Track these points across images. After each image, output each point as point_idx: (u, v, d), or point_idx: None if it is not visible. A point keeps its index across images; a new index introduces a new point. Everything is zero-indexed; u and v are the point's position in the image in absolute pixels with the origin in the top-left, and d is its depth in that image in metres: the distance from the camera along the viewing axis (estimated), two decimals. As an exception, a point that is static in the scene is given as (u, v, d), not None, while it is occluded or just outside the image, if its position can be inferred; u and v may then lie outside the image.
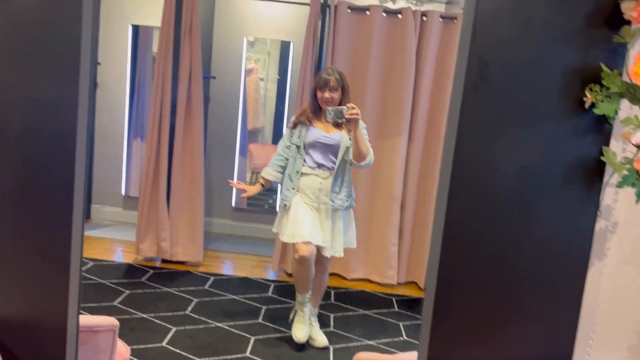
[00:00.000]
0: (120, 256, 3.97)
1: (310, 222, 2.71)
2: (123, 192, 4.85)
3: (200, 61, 3.79)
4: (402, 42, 3.74)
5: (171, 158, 3.82)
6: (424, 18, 3.76)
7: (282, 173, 2.85)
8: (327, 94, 2.70)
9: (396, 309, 3.52)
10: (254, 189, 2.88)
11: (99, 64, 4.67)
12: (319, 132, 2.76)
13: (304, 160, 2.78)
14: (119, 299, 3.14)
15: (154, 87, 3.76)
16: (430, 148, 3.88)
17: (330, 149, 2.76)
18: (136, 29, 4.70)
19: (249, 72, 5.00)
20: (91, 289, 3.25)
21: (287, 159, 2.83)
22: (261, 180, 2.88)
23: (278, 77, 5.04)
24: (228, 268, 4.00)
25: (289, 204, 2.76)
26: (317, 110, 2.78)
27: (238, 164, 4.86)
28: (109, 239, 4.33)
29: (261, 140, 5.23)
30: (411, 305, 3.61)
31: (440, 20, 3.78)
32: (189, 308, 3.14)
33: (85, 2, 1.22)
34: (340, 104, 2.70)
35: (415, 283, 4.07)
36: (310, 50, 3.76)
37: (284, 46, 4.84)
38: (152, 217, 3.88)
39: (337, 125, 2.74)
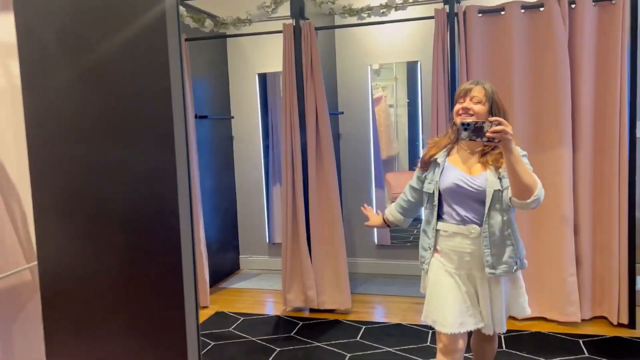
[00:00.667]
0: (269, 308, 3.86)
1: (458, 303, 2.00)
2: (267, 240, 4.82)
3: (325, 98, 3.62)
4: (549, 38, 3.21)
5: (307, 201, 3.67)
6: (573, 6, 3.20)
7: (405, 215, 2.31)
8: (466, 104, 1.98)
9: (586, 354, 2.90)
10: (376, 220, 2.38)
11: (232, 117, 4.76)
12: (459, 173, 2.01)
13: (441, 213, 2.06)
14: (270, 359, 2.98)
15: (283, 131, 3.66)
16: (603, 156, 3.24)
17: (473, 197, 1.99)
18: (263, 77, 4.73)
19: (377, 100, 4.76)
20: (243, 348, 3.15)
21: (411, 201, 2.25)
22: (383, 218, 2.38)
23: (408, 100, 4.73)
24: (379, 314, 3.68)
25: (426, 267, 2.12)
26: (456, 138, 2.07)
27: (375, 197, 4.59)
28: (257, 289, 4.28)
29: (397, 168, 4.92)
30: (604, 347, 2.95)
31: (594, 4, 3.19)
32: (342, 365, 2.87)
33: (172, 66, 1.05)
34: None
35: (605, 318, 3.38)
36: (441, 65, 3.39)
37: (411, 67, 4.53)
38: (296, 265, 3.73)
39: (482, 155, 2.00)
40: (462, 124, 1.81)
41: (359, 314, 3.65)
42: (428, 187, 2.09)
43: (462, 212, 2.00)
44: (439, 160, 2.07)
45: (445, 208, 2.04)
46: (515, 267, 2.02)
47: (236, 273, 4.77)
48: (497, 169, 1.96)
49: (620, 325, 3.27)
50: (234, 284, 4.45)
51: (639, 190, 4.10)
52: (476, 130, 1.79)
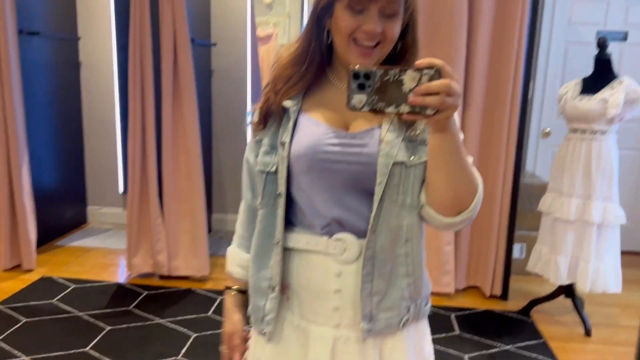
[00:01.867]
0: (111, 273, 3.25)
1: None
2: (121, 190, 4.13)
3: (187, 23, 2.94)
4: (448, -25, 2.78)
5: (160, 148, 3.04)
6: (478, -60, 2.78)
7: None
8: (370, 18, 0.92)
9: (457, 331, 2.67)
10: (235, 327, 1.11)
11: (79, 38, 3.90)
12: (324, 129, 0.99)
13: (291, 215, 1.05)
14: (94, 341, 2.42)
15: (131, 62, 2.96)
16: (492, 117, 2.95)
17: (350, 175, 0.97)
18: (120, -8, 3.89)
19: (266, 39, 4.15)
20: (63, 326, 2.54)
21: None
22: (230, 289, 1.15)
23: (300, 40, 4.16)
24: (242, 281, 3.22)
25: (268, 329, 1.04)
26: (323, 66, 1.03)
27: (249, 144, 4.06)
28: (103, 249, 3.63)
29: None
30: (475, 321, 2.75)
31: (500, -59, 2.79)
32: (183, 350, 2.38)
33: None
34: (394, 60, 0.99)
35: (478, 289, 3.21)
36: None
37: (304, 2, 3.95)
38: (144, 225, 3.13)
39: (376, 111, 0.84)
40: (355, 74, 0.81)
41: (218, 281, 3.17)
42: (264, 161, 1.02)
43: (329, 211, 0.99)
44: (288, 108, 1.01)
45: (300, 203, 1.02)
46: (405, 317, 1.01)
47: (81, 228, 4.05)
48: (403, 122, 0.95)
49: (492, 297, 3.10)
50: (75, 241, 3.75)
51: (525, 156, 3.95)
52: (384, 89, 0.81)
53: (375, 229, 0.95)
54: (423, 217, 0.98)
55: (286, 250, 1.02)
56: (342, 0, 0.92)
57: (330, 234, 0.99)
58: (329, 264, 0.99)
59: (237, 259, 1.14)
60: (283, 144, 0.99)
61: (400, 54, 0.99)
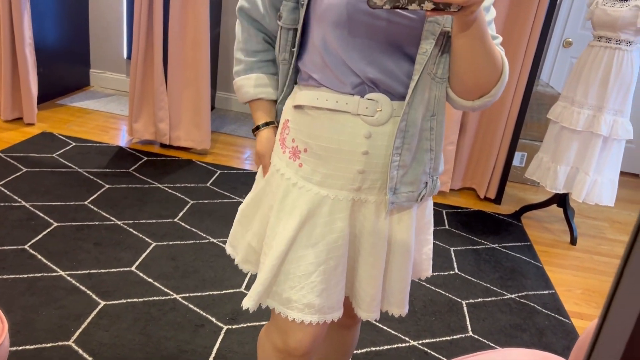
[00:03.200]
0: (113, 136, 3.26)
1: (326, 271, 0.99)
2: (125, 55, 4.03)
3: None
4: None
5: (167, 11, 2.92)
6: None
7: (275, 75, 1.08)
8: None
9: (446, 225, 2.74)
10: (268, 142, 1.06)
11: None
12: None
13: (302, 68, 1.00)
14: (93, 196, 2.47)
15: None
16: (515, 21, 2.81)
17: (391, 35, 0.90)
18: None
19: None
20: (63, 179, 2.59)
21: (268, 43, 1.07)
22: (260, 121, 1.07)
23: None
24: (240, 159, 3.25)
25: (261, 175, 1.09)
26: None
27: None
28: (104, 112, 3.60)
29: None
30: (464, 220, 2.82)
31: None
32: (180, 214, 2.45)
33: None
34: None
35: (473, 190, 3.25)
36: None
37: None
38: (147, 90, 3.09)
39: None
40: None
41: (218, 156, 3.19)
42: (292, 17, 0.96)
43: (363, 69, 0.92)
44: None
45: (328, 60, 0.94)
46: (423, 192, 1.01)
47: (84, 90, 4.00)
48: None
49: (486, 199, 3.16)
50: (78, 101, 3.72)
51: (542, 65, 3.83)
52: None
53: (413, 97, 0.91)
54: (449, 99, 0.97)
55: (310, 110, 0.97)
56: None
57: (362, 94, 0.93)
58: (358, 124, 0.93)
59: (252, 81, 1.06)
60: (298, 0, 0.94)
61: None
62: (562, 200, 2.86)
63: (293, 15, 0.96)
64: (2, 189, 2.40)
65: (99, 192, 2.51)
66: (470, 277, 2.30)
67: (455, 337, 1.91)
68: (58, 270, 1.91)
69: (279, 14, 0.98)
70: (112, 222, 2.27)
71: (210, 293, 1.92)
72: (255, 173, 2.85)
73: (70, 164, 2.74)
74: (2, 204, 2.27)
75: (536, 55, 2.83)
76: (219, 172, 2.95)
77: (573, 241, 2.78)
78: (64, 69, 3.76)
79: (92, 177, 2.65)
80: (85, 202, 2.40)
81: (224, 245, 2.23)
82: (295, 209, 0.97)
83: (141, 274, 1.97)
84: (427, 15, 0.80)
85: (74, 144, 3.01)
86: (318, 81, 0.96)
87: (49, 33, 3.49)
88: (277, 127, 1.07)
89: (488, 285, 2.26)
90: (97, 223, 2.25)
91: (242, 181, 2.88)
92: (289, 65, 1.00)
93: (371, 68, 0.91)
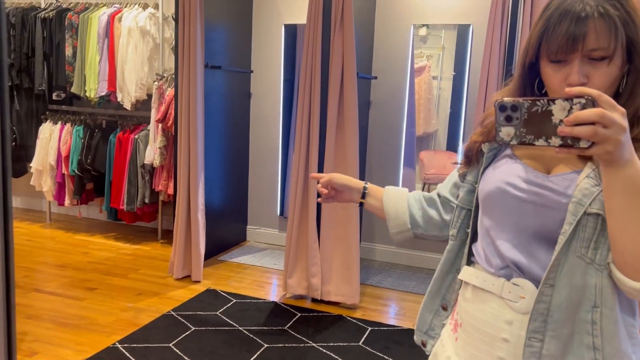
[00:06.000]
0: (268, 291, 3.43)
1: None
2: (278, 212, 4.37)
3: (354, 58, 3.06)
4: None
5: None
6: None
7: (410, 211, 1.16)
8: (575, 70, 0.84)
9: None
10: (339, 178, 1.21)
11: (252, 71, 4.25)
12: (522, 168, 0.94)
13: (471, 251, 1.04)
14: (253, 357, 2.55)
15: (301, 93, 3.14)
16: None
17: (537, 217, 0.90)
18: (293, 29, 4.18)
19: (419, 70, 4.19)
20: (226, 337, 2.72)
21: (434, 202, 1.16)
22: (371, 191, 1.19)
23: (454, 73, 4.15)
24: (390, 314, 3.20)
25: (431, 346, 1.12)
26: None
27: (403, 176, 4.06)
28: (260, 267, 3.84)
29: (434, 146, 4.38)
30: None
31: None
32: (336, 377, 2.41)
33: None
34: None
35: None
36: (497, 30, 2.79)
37: (462, 34, 3.91)
38: (302, 247, 3.27)
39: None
40: (502, 106, 0.78)
41: (367, 311, 3.17)
42: (466, 198, 1.05)
43: (509, 252, 0.92)
44: (485, 152, 1.01)
45: (481, 240, 0.99)
46: None
47: (241, 245, 4.35)
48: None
49: None
50: (236, 257, 4.03)
51: None
52: (533, 120, 0.77)
53: (554, 283, 0.85)
54: (615, 278, 0.83)
55: (464, 284, 1.02)
56: (543, 55, 0.88)
57: (507, 277, 0.93)
58: (501, 308, 0.92)
59: (397, 195, 1.19)
60: (474, 184, 1.04)
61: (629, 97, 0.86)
62: None
63: (469, 197, 1.05)
64: (174, 348, 2.58)
65: (258, 352, 2.59)
66: None
67: None
68: None
69: (457, 194, 1.09)
70: (272, 386, 2.30)
71: None
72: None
73: (232, 322, 2.90)
74: (175, 364, 2.43)
75: None
76: (369, 329, 2.91)
77: None
78: (226, 227, 4.16)
79: (251, 335, 2.76)
80: (246, 363, 2.48)
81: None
82: None
83: None
84: (556, 153, 0.76)
85: (234, 300, 3.20)
86: (475, 257, 1.01)
87: (215, 197, 3.94)
88: (366, 195, 1.20)
89: None
90: (257, 386, 2.29)
91: (394, 339, 2.80)
92: (460, 242, 1.07)
93: (518, 252, 0.91)
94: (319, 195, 1.25)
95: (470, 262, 1.03)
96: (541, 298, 0.87)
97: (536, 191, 0.89)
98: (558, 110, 0.74)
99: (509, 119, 0.78)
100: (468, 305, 0.98)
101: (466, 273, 1.01)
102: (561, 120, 0.74)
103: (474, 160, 1.03)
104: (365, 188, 1.19)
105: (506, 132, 0.78)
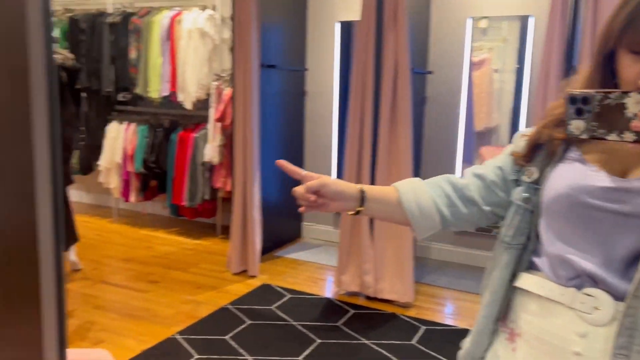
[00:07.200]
0: (322, 287, 3.46)
1: None
2: (333, 209, 4.39)
3: (409, 52, 3.03)
4: None
5: (374, 173, 3.16)
6: None
7: (439, 209, 1.02)
8: None
9: None
10: (328, 182, 1.04)
11: (307, 69, 4.29)
12: (593, 172, 0.86)
13: (534, 258, 0.94)
14: (307, 351, 2.58)
15: (353, 90, 3.15)
16: None
17: (617, 226, 0.83)
18: (347, 26, 4.19)
19: (479, 64, 4.08)
20: (280, 332, 2.78)
21: (462, 190, 1.03)
22: (370, 195, 1.04)
23: (517, 66, 4.01)
24: (445, 313, 3.15)
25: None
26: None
27: (462, 173, 3.97)
28: (314, 263, 3.88)
29: (495, 142, 4.25)
30: None
31: None
32: (388, 375, 2.41)
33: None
34: None
35: None
36: (559, 23, 2.67)
37: (524, 25, 3.78)
38: (355, 244, 3.27)
39: None
40: (572, 98, 0.75)
41: (421, 309, 3.14)
42: (524, 197, 0.94)
43: (581, 261, 0.86)
44: (558, 147, 0.93)
45: (547, 248, 0.91)
46: None
47: (296, 241, 4.41)
48: None
49: None
50: (292, 253, 4.09)
51: None
52: (605, 114, 0.73)
53: None
54: None
55: (524, 292, 0.93)
56: (623, 45, 0.81)
57: (578, 287, 0.86)
58: (572, 319, 0.85)
59: (410, 186, 1.03)
60: (541, 182, 0.92)
61: None
62: None
63: (531, 197, 0.93)
64: (230, 341, 2.66)
65: (311, 347, 2.62)
66: None
67: None
68: None
69: (514, 190, 0.97)
70: (324, 381, 2.33)
71: None
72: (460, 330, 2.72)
73: (286, 317, 2.95)
74: (230, 357, 2.50)
75: None
76: (423, 328, 2.88)
77: None
78: (282, 223, 4.23)
79: (305, 330, 2.80)
80: (299, 358, 2.52)
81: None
82: None
83: None
84: (629, 149, 0.72)
85: (289, 295, 3.26)
86: (536, 264, 0.93)
87: (272, 193, 4.02)
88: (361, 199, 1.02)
89: None
90: (310, 381, 2.33)
91: (448, 339, 2.76)
92: (518, 252, 0.95)
93: (593, 264, 0.84)
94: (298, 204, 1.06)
95: (530, 268, 0.94)
96: (629, 312, 0.80)
97: (611, 197, 0.82)
98: (632, 103, 0.70)
99: (579, 112, 0.74)
100: (531, 316, 0.91)
101: (528, 282, 0.92)
102: (635, 114, 0.71)
103: (538, 154, 0.94)
104: (363, 192, 1.02)
105: (576, 125, 0.75)
